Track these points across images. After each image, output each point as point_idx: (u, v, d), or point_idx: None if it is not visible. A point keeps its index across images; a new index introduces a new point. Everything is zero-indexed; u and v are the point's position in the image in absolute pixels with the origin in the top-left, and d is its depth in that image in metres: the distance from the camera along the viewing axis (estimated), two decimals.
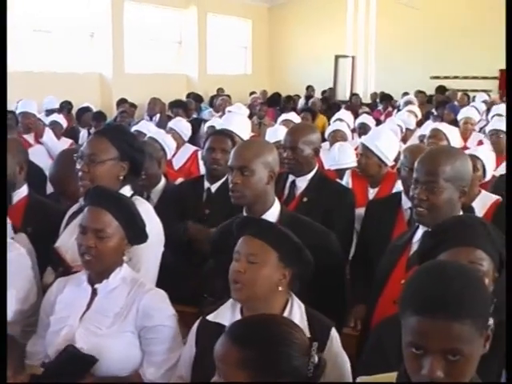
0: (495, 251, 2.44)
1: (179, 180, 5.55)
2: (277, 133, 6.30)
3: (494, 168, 5.21)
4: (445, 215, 2.94)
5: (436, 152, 3.18)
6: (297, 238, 2.73)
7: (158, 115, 11.56)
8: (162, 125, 8.77)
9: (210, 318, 2.74)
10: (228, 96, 14.62)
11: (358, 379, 2.22)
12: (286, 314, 2.61)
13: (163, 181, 4.98)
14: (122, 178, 3.35)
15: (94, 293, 2.91)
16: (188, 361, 2.75)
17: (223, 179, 4.51)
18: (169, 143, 5.88)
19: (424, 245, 2.56)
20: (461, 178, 2.97)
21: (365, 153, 5.09)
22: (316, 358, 2.12)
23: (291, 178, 4.37)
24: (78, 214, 3.26)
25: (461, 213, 3.06)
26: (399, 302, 1.83)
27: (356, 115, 9.93)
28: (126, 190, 3.35)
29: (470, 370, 1.77)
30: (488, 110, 10.21)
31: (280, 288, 2.64)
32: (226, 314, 2.71)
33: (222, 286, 2.90)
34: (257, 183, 3.25)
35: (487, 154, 5.09)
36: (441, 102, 13.23)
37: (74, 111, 12.24)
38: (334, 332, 2.62)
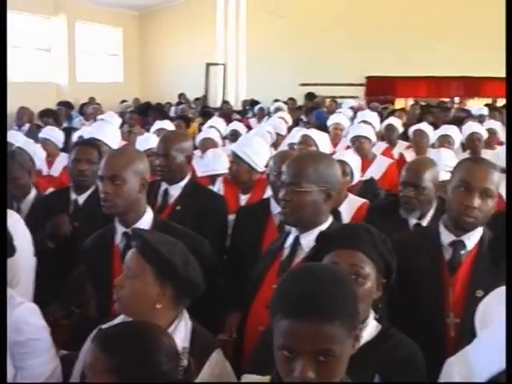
0: (379, 256, 2.47)
1: (49, 190, 5.42)
2: (148, 141, 6.26)
3: (360, 172, 5.35)
4: (310, 216, 3.01)
5: (302, 156, 3.24)
6: (185, 249, 2.68)
7: (27, 125, 11.24)
8: (31, 134, 8.53)
9: (104, 326, 2.69)
10: (98, 104, 14.40)
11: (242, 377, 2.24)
12: (169, 330, 2.51)
13: (34, 191, 4.85)
14: None
15: None
16: (79, 367, 2.69)
17: (90, 190, 4.44)
18: (38, 153, 5.72)
19: (311, 250, 2.59)
20: (325, 180, 3.00)
21: (235, 160, 5.13)
22: (185, 362, 2.12)
23: (164, 186, 4.33)
24: None
25: (330, 217, 3.11)
26: (270, 306, 1.83)
27: (229, 122, 9.97)
28: None
29: (340, 370, 1.80)
30: (355, 116, 10.47)
31: (158, 305, 2.55)
32: None
33: (92, 295, 2.85)
34: (129, 192, 3.23)
35: (353, 159, 5.24)
36: (310, 109, 13.49)
37: None
38: (216, 355, 2.55)
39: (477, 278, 2.95)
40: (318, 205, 3.02)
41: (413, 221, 4.15)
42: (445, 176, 4.86)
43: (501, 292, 1.80)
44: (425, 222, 4.14)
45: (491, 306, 1.77)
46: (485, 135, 7.71)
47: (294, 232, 3.12)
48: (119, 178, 3.20)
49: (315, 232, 2.92)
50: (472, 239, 3.05)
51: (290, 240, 3.14)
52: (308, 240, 3.01)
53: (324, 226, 3.03)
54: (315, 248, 2.56)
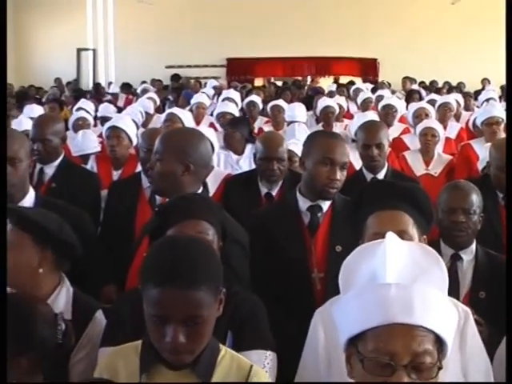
0: (217, 222, 2.43)
1: None
2: (22, 124, 6.07)
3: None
4: (169, 186, 2.90)
5: (168, 131, 3.35)
6: (57, 216, 2.64)
7: None
8: None
9: None
10: None
11: (100, 351, 2.23)
12: (53, 297, 2.51)
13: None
14: None
15: None
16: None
17: None
18: None
19: (152, 223, 2.48)
20: (181, 151, 2.87)
21: (115, 134, 5.22)
22: (63, 326, 2.11)
23: (38, 165, 4.24)
24: None
25: (199, 189, 2.95)
26: (139, 277, 1.83)
27: (100, 103, 9.79)
28: None
29: (208, 333, 1.84)
30: (218, 95, 10.48)
31: (41, 270, 2.51)
32: None
33: None
34: (23, 172, 3.23)
35: (211, 134, 5.26)
36: (175, 89, 13.46)
37: None
38: (98, 314, 2.52)
39: (334, 235, 3.07)
40: (175, 175, 2.86)
41: (264, 190, 4.18)
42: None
43: (360, 250, 1.84)
44: (274, 192, 4.18)
45: (352, 266, 1.80)
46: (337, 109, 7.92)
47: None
48: (17, 159, 3.19)
49: None
50: (327, 202, 3.14)
51: None
52: None
53: None
54: (157, 220, 2.43)
